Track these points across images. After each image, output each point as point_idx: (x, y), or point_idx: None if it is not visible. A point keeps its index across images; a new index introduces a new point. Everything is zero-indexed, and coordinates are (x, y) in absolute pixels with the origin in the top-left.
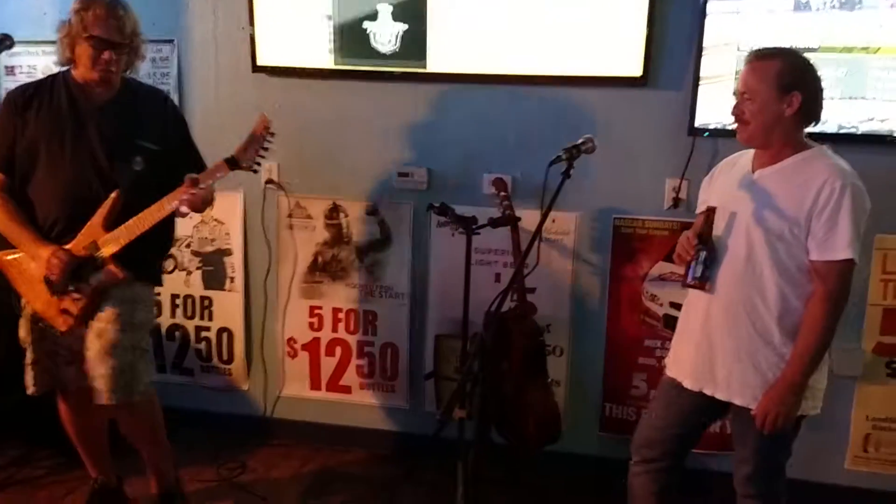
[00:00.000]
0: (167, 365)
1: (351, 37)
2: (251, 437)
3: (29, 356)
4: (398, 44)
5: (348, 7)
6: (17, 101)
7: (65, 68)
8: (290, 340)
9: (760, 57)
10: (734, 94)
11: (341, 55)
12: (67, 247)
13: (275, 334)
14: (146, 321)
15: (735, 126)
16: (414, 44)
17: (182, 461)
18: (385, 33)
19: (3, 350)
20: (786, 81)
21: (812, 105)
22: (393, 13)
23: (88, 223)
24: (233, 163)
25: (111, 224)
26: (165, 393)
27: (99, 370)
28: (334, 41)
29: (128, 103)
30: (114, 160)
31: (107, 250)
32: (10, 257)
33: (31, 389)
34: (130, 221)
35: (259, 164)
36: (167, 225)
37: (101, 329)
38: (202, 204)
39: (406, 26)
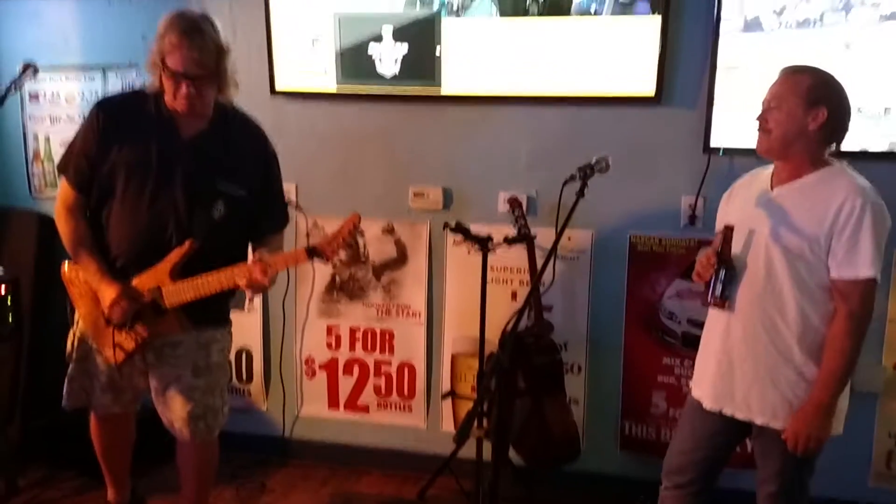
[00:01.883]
0: None
1: (359, 59)
2: (270, 457)
3: (69, 371)
4: (398, 67)
5: (354, 31)
6: (106, 121)
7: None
8: (308, 360)
9: (794, 71)
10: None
11: (353, 78)
12: (132, 282)
13: (293, 354)
14: (221, 361)
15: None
16: (421, 65)
17: None
18: (388, 56)
19: (28, 376)
20: (814, 95)
21: (836, 124)
22: (394, 35)
23: (157, 266)
24: (313, 253)
25: (179, 272)
26: None
27: (179, 413)
28: (342, 64)
29: (218, 139)
30: (193, 205)
31: (170, 301)
32: (72, 271)
33: (64, 403)
34: (199, 280)
35: (341, 259)
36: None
37: (178, 374)
38: (261, 288)
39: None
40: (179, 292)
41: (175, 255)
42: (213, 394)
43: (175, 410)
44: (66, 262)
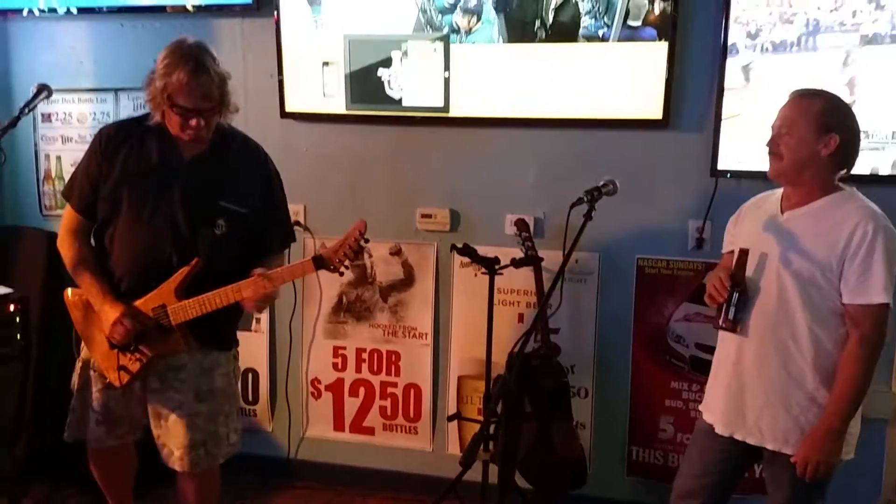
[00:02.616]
0: None
1: (368, 82)
2: (275, 478)
3: (72, 401)
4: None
5: (364, 54)
6: (108, 143)
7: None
8: (314, 381)
9: (805, 95)
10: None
11: (363, 101)
12: (136, 303)
13: (299, 375)
14: (225, 386)
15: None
16: (430, 88)
17: None
18: (397, 79)
19: (32, 396)
20: (826, 121)
21: (848, 150)
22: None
23: (162, 286)
24: (320, 262)
25: (184, 291)
26: None
27: (180, 440)
28: (351, 87)
29: (218, 158)
30: (195, 224)
31: (175, 319)
32: (76, 296)
33: (66, 434)
34: (203, 297)
35: (347, 266)
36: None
37: (181, 400)
38: (265, 302)
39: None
40: (185, 309)
41: (181, 274)
42: (216, 420)
43: (176, 437)
44: (70, 288)
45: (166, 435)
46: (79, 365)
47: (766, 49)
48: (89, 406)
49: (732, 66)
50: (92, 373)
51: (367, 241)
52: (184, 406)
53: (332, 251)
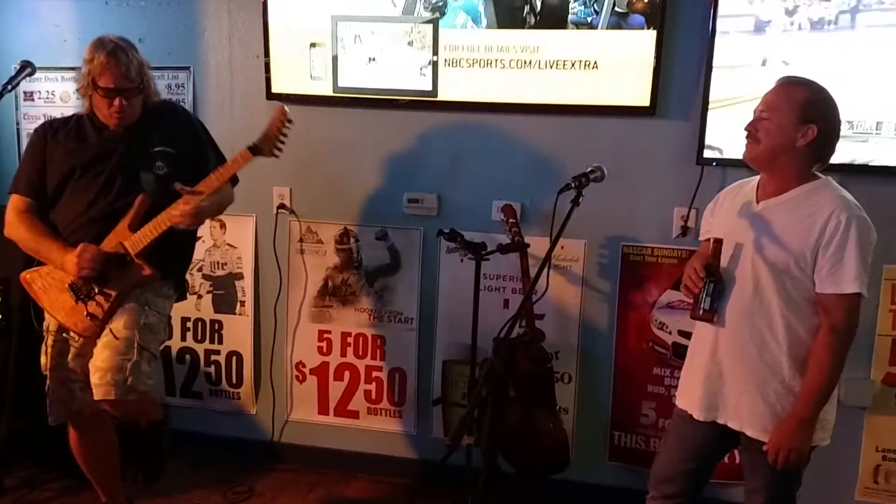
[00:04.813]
0: (176, 388)
1: (356, 64)
2: (259, 461)
3: (47, 385)
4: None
5: (351, 35)
6: (46, 131)
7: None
8: (299, 364)
9: (790, 82)
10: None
11: (350, 83)
12: (101, 245)
13: (283, 358)
14: (156, 326)
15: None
16: (418, 71)
17: (189, 484)
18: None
19: (13, 377)
20: (807, 111)
21: (825, 144)
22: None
23: (115, 228)
24: (255, 149)
25: (137, 227)
26: (174, 416)
27: (97, 362)
28: (338, 69)
29: (145, 121)
30: (136, 171)
31: (133, 248)
32: (31, 273)
33: (49, 420)
34: (150, 222)
35: (280, 150)
36: (190, 236)
37: (112, 328)
38: (197, 216)
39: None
40: (139, 238)
41: (131, 212)
42: (141, 354)
43: (94, 359)
44: (22, 273)
45: (94, 357)
46: (48, 342)
47: (803, 27)
48: (68, 381)
49: (765, 43)
50: (62, 345)
51: (290, 121)
52: (112, 332)
53: (264, 139)
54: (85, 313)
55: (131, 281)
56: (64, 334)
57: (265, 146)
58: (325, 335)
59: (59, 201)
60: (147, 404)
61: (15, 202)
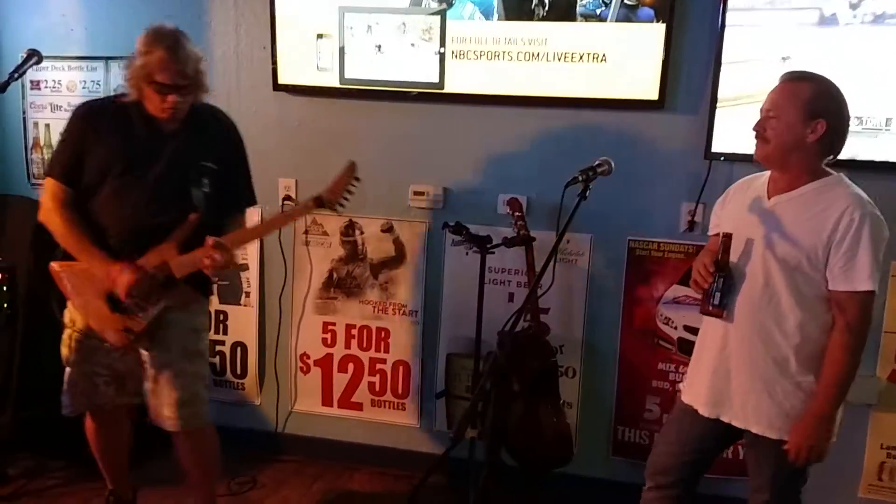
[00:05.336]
0: None
1: (362, 56)
2: (262, 452)
3: (68, 376)
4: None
5: (358, 27)
6: (91, 115)
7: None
8: (303, 356)
9: (794, 78)
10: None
11: (357, 74)
12: (144, 258)
13: (288, 350)
14: (205, 349)
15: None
16: (425, 63)
17: None
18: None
19: (18, 366)
20: (814, 107)
21: (835, 137)
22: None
23: (162, 245)
24: (321, 202)
25: (184, 247)
26: None
27: (167, 398)
28: (345, 60)
29: (193, 127)
30: (184, 186)
31: (178, 272)
32: (63, 268)
33: (66, 410)
34: (191, 256)
35: (343, 205)
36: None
37: (168, 360)
38: (227, 266)
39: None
40: (184, 265)
41: (182, 231)
42: (200, 382)
43: (165, 396)
44: (54, 261)
45: (155, 395)
46: (72, 336)
47: (865, 20)
48: (94, 374)
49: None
50: (92, 341)
51: (358, 179)
52: (173, 365)
53: (330, 191)
54: (122, 327)
55: (175, 301)
56: (92, 335)
57: (330, 199)
58: (330, 327)
59: (98, 194)
60: (207, 425)
61: (52, 188)
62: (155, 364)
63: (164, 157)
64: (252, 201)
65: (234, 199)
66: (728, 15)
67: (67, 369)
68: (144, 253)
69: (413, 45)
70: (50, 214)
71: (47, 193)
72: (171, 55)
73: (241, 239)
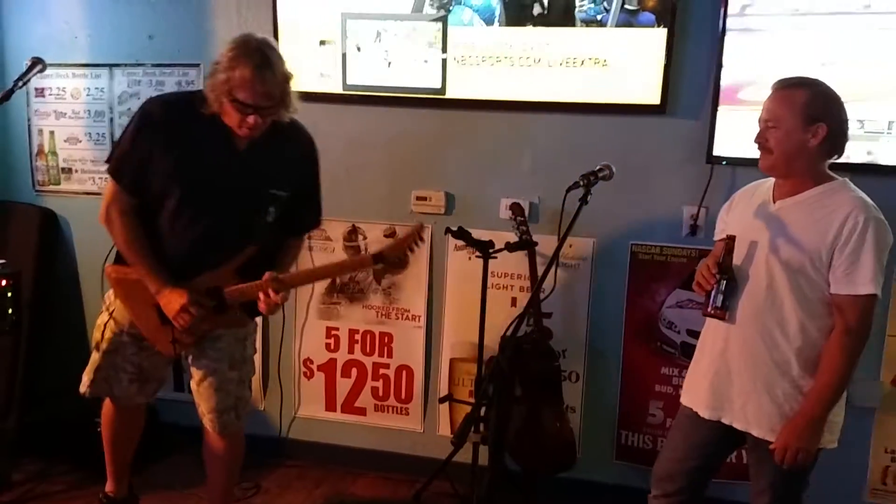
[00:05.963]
0: (185, 384)
1: (365, 62)
2: (266, 457)
3: (95, 359)
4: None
5: (360, 33)
6: (162, 119)
7: None
8: (307, 361)
9: (787, 86)
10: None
11: (359, 80)
12: (192, 283)
13: (291, 354)
14: (252, 353)
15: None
16: (426, 69)
17: (196, 480)
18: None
19: (23, 371)
20: (812, 112)
21: (837, 138)
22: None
23: (220, 270)
24: (379, 258)
25: (241, 275)
26: (183, 411)
27: (211, 404)
28: (348, 66)
29: (271, 147)
30: (249, 213)
31: (231, 299)
32: (119, 274)
33: (83, 388)
34: (246, 288)
35: (404, 265)
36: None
37: (214, 368)
38: (281, 305)
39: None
40: (236, 295)
41: (240, 260)
42: (244, 385)
43: (208, 401)
44: (109, 264)
45: (199, 396)
46: (109, 326)
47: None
48: (120, 368)
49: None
50: (126, 338)
51: (422, 240)
52: (217, 373)
53: (391, 248)
54: (171, 338)
55: (226, 324)
56: (133, 331)
57: (391, 257)
58: (333, 332)
59: (165, 202)
60: (241, 429)
61: (115, 196)
62: (200, 368)
63: (233, 179)
64: (317, 224)
65: (298, 224)
66: (728, 20)
67: (96, 352)
68: (199, 273)
69: (414, 51)
70: (113, 222)
71: (110, 198)
72: (257, 75)
73: (299, 281)
